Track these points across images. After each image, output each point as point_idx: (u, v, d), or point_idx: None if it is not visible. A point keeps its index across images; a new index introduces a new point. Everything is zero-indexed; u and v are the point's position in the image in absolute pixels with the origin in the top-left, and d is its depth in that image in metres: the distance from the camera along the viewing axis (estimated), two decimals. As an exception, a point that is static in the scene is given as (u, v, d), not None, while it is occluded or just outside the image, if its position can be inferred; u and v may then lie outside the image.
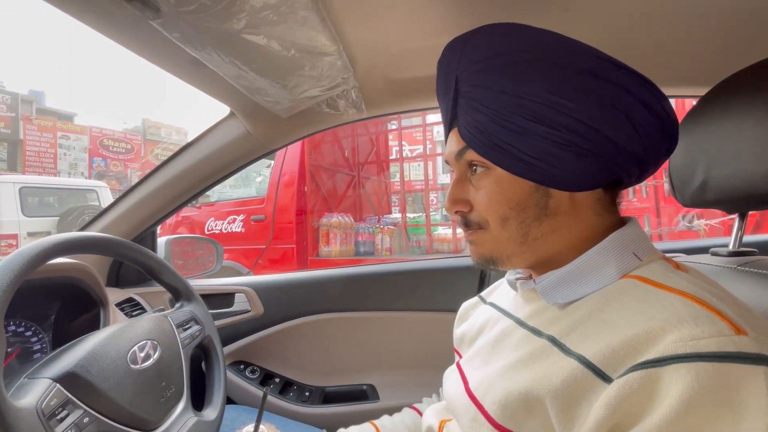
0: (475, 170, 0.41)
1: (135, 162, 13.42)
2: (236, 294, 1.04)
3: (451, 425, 0.50)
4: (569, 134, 0.36)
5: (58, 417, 0.46)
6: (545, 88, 0.36)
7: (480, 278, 0.99)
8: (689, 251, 0.68)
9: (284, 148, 3.30)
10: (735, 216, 0.56)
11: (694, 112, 0.52)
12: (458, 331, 0.59)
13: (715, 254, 0.56)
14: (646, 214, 3.07)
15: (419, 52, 0.69)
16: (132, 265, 0.70)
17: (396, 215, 3.74)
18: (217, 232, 3.35)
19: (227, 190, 3.66)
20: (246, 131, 0.86)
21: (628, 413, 0.28)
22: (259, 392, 0.99)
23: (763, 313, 0.41)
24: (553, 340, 0.36)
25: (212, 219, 3.43)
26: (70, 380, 0.49)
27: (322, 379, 1.04)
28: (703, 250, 0.60)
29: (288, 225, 3.04)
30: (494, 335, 0.46)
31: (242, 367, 1.04)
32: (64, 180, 7.02)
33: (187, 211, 3.62)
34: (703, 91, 0.52)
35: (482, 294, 0.60)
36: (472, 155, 0.40)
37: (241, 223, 3.27)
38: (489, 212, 0.40)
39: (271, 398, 0.98)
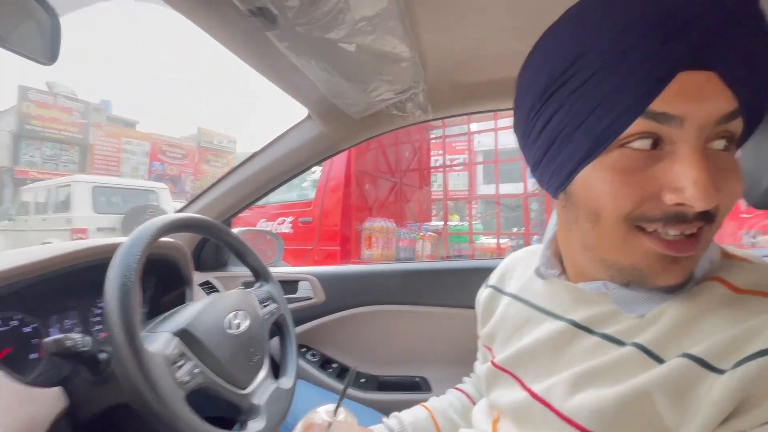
0: (726, 148, 0.31)
1: (189, 167, 14.41)
2: (300, 281, 1.13)
3: (502, 426, 0.47)
4: None
5: (178, 364, 0.55)
6: None
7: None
8: None
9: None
10: None
11: None
12: (486, 329, 0.55)
13: None
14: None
15: (486, 57, 0.74)
16: (224, 245, 0.79)
17: (437, 223, 3.76)
18: (266, 232, 3.55)
19: (275, 193, 3.85)
20: (320, 132, 0.94)
21: (746, 402, 0.28)
22: (318, 374, 1.06)
23: None
24: (642, 348, 0.34)
25: (263, 220, 3.63)
26: (184, 335, 0.58)
27: (377, 368, 1.09)
28: None
29: (333, 228, 3.16)
30: (546, 339, 0.43)
31: (303, 350, 1.11)
32: (129, 181, 7.67)
33: (238, 212, 3.84)
34: None
35: (492, 283, 0.57)
36: (737, 127, 0.30)
37: (290, 225, 3.43)
38: (731, 205, 0.31)
39: (329, 381, 1.05)
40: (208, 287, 1.07)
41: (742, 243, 2.92)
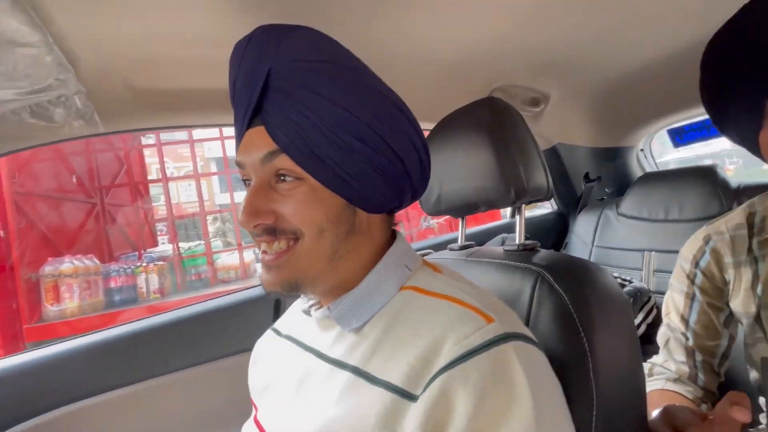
0: (284, 178, 0.37)
1: None
2: None
3: None
4: (382, 158, 0.38)
5: None
6: (370, 111, 0.37)
7: (275, 306, 0.93)
8: (435, 248, 0.85)
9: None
10: (459, 219, 0.73)
11: (428, 141, 0.66)
12: (253, 377, 0.52)
13: (451, 249, 0.72)
14: (401, 221, 3.85)
15: (179, 61, 0.58)
16: None
17: (165, 247, 3.16)
18: None
19: None
20: None
21: (437, 422, 0.30)
22: None
23: None
24: (357, 371, 0.37)
25: None
26: None
27: None
28: (443, 246, 0.76)
29: (-22, 284, 2.05)
30: (298, 375, 0.43)
31: None
32: None
33: None
34: (431, 126, 0.66)
35: (276, 326, 0.55)
36: (284, 162, 0.37)
37: None
38: (305, 222, 0.37)
39: None
40: None
41: (420, 225, 4.08)
